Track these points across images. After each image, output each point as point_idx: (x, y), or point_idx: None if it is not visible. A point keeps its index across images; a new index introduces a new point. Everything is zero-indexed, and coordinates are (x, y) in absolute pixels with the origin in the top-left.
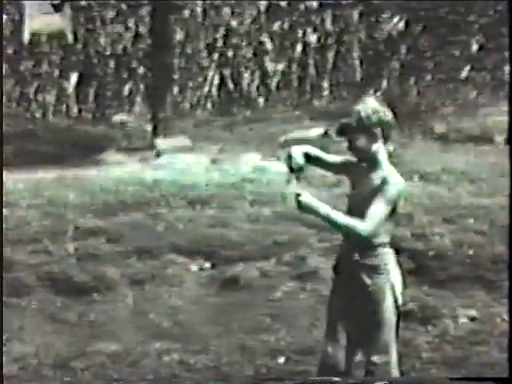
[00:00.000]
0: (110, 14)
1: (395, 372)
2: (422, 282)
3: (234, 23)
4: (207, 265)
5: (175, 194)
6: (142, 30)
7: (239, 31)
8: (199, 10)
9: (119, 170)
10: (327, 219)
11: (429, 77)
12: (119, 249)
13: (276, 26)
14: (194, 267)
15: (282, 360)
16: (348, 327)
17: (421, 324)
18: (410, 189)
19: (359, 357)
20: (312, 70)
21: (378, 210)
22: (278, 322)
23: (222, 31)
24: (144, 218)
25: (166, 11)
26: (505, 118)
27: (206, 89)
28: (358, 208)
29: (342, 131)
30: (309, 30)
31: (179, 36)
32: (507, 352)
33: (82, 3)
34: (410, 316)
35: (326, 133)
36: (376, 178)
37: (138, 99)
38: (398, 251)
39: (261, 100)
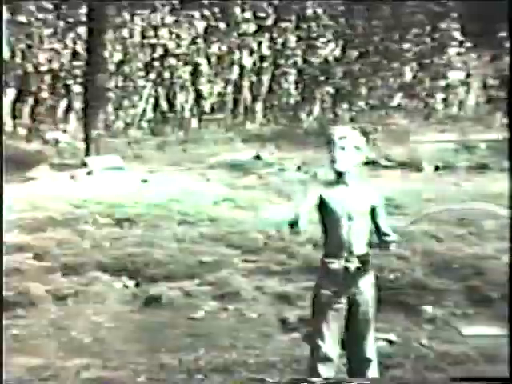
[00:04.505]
0: (48, 31)
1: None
2: None
3: (171, 44)
4: (131, 283)
5: (103, 212)
6: (79, 47)
7: (176, 52)
8: (138, 29)
9: (49, 186)
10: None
11: (362, 103)
12: (45, 264)
13: (213, 48)
14: (117, 285)
15: (199, 378)
16: (341, 326)
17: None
18: None
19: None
20: (247, 93)
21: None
22: (198, 340)
23: (159, 51)
24: (71, 234)
25: (103, 30)
26: (434, 146)
27: (141, 108)
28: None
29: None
30: (245, 52)
31: (116, 55)
32: (507, 352)
33: (21, 19)
34: None
35: (257, 156)
36: (362, 193)
37: (73, 117)
38: None
39: (194, 121)
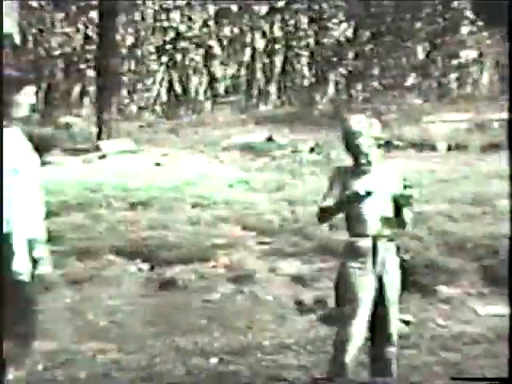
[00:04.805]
0: (60, 15)
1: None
2: None
3: (183, 27)
4: (146, 266)
5: (116, 196)
6: (91, 31)
7: (188, 35)
8: (149, 12)
9: (63, 171)
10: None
11: (375, 83)
12: (59, 249)
13: (225, 30)
14: (132, 268)
15: (214, 360)
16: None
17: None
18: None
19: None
20: (260, 75)
21: None
22: (213, 323)
23: (171, 34)
24: (85, 218)
25: (114, 13)
26: (447, 126)
27: (155, 92)
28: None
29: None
30: (257, 35)
31: (129, 38)
32: (508, 352)
33: (33, 4)
34: None
35: (270, 138)
36: (382, 176)
37: (86, 101)
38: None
39: (208, 104)
